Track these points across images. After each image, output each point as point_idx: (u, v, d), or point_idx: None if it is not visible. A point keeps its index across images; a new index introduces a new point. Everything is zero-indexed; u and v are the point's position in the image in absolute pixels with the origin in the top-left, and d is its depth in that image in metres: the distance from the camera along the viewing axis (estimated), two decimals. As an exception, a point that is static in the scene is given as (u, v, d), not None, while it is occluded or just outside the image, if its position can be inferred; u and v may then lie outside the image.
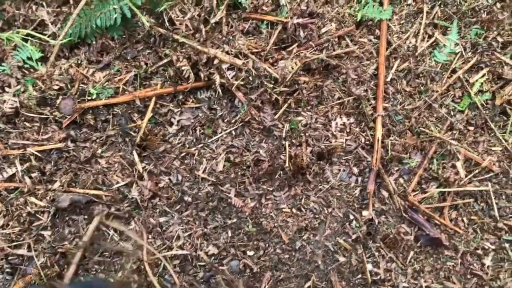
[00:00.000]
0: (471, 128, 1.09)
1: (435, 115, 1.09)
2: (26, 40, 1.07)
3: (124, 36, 1.10)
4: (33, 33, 1.07)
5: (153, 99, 1.08)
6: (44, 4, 1.10)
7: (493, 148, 1.07)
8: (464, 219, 1.04)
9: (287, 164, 1.05)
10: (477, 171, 1.05)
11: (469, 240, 1.03)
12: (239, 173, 1.06)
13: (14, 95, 1.05)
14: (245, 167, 1.06)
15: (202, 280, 0.98)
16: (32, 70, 1.07)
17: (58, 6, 1.11)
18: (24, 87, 1.06)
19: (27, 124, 1.05)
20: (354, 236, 1.01)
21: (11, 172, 1.02)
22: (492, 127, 1.08)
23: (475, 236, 1.03)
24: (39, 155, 1.02)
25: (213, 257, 1.00)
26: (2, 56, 1.07)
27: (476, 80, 1.10)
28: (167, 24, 1.06)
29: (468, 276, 1.01)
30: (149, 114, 1.07)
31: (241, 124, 1.08)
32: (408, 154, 1.07)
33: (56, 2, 1.11)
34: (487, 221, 1.04)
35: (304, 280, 0.99)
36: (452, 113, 1.09)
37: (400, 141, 1.07)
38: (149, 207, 1.02)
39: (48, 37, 1.07)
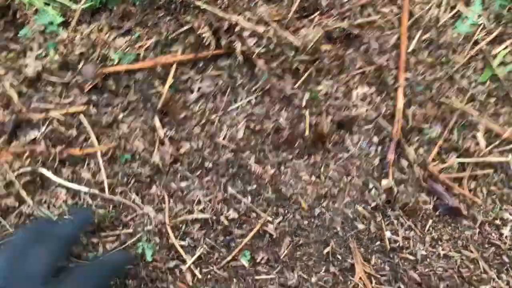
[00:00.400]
0: (492, 99, 1.08)
1: (456, 86, 1.08)
2: (47, 5, 1.07)
3: (145, 2, 1.09)
4: (54, -3, 1.07)
5: (174, 66, 1.08)
6: (66, -32, 1.10)
7: (514, 120, 1.07)
8: (483, 189, 1.04)
9: (307, 133, 1.05)
10: (497, 142, 1.05)
11: (487, 210, 1.04)
12: (259, 141, 1.06)
13: (36, 59, 1.06)
14: (265, 135, 1.07)
15: (222, 243, 0.99)
16: (54, 35, 1.07)
17: (79, -30, 1.10)
18: (46, 52, 1.06)
19: (49, 88, 1.06)
20: (373, 204, 1.02)
21: (33, 135, 1.03)
22: (513, 98, 1.07)
23: (494, 206, 1.04)
24: (61, 118, 1.03)
25: (233, 222, 1.00)
26: (24, 21, 1.07)
27: (499, 52, 1.09)
28: (188, -10, 1.06)
29: (486, 246, 1.01)
30: (170, 80, 1.07)
31: (261, 92, 1.08)
32: (428, 124, 1.07)
33: (77, -33, 1.11)
34: (506, 192, 1.04)
35: (323, 246, 1.00)
36: (473, 84, 1.09)
37: (421, 111, 1.07)
38: (170, 172, 1.03)
39: (70, 1, 1.07)
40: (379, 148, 1.07)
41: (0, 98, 1.04)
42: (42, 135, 1.03)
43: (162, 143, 1.05)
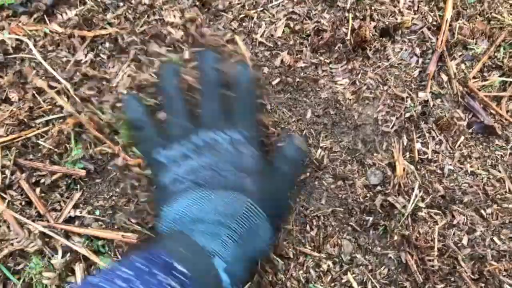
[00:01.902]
0: (546, 20, 1.03)
1: (510, 2, 1.03)
2: None
3: None
4: None
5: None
6: None
7: None
8: (522, 111, 1.02)
9: (348, 37, 1.02)
10: (544, 64, 1.01)
11: (522, 133, 1.02)
12: (298, 41, 1.03)
13: None
14: (304, 36, 1.04)
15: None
16: None
17: None
18: None
19: (87, -34, 1.03)
20: (407, 115, 1.01)
21: (70, 14, 1.01)
22: None
23: (529, 129, 1.02)
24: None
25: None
26: None
27: (562, -30, 1.02)
28: None
29: (515, 167, 1.01)
30: (212, -32, 1.03)
31: (304, -10, 1.04)
32: (474, 40, 1.03)
33: None
34: (544, 116, 1.02)
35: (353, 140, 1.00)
36: (529, 3, 1.03)
37: (469, 25, 1.02)
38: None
39: None
40: (420, 60, 1.03)
41: (36, -30, 1.01)
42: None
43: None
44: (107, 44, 1.01)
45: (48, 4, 1.01)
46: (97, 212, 0.92)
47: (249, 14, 1.04)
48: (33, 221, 0.90)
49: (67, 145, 0.94)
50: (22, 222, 0.89)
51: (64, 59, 0.99)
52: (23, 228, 0.89)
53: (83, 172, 0.92)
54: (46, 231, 0.88)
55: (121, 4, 1.04)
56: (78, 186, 0.94)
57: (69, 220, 0.92)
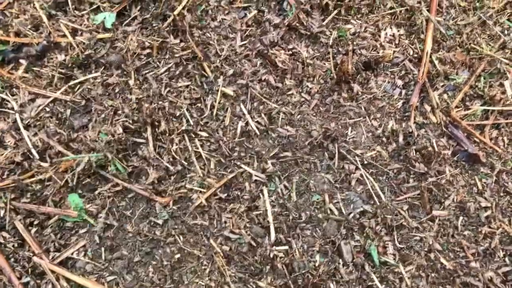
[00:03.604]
0: (525, 46, 1.06)
1: (488, 33, 1.06)
2: None
3: None
4: None
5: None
6: None
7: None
8: (505, 138, 1.04)
9: (332, 71, 1.05)
10: (524, 92, 1.04)
11: (507, 160, 1.03)
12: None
13: (65, -19, 1.06)
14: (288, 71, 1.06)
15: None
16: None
17: None
18: (75, -26, 1.06)
19: (77, 12, 1.07)
20: (393, 146, 1.02)
21: (61, 59, 1.05)
22: (546, 49, 1.05)
23: (513, 156, 1.04)
24: (86, 42, 1.04)
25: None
26: None
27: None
28: None
29: (502, 194, 1.02)
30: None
31: (287, 28, 1.07)
32: (455, 70, 1.05)
33: None
34: (527, 142, 1.04)
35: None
36: (506, 31, 1.06)
37: (449, 56, 1.05)
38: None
39: None
40: (403, 91, 1.06)
41: (30, 20, 1.05)
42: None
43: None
44: None
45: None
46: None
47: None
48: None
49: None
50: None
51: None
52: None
53: (74, 213, 0.94)
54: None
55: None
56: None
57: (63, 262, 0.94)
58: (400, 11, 1.06)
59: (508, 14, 1.06)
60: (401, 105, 1.05)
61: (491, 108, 1.04)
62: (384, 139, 1.03)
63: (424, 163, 1.01)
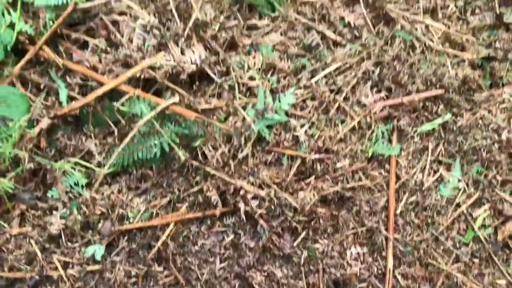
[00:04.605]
0: (476, 260, 1.17)
1: (442, 247, 1.18)
2: (74, 168, 1.21)
3: (161, 166, 1.24)
4: (81, 161, 1.22)
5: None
6: (92, 135, 1.26)
7: (497, 281, 1.15)
8: None
9: (304, 292, 1.13)
10: (483, 303, 1.12)
11: None
12: (260, 298, 1.14)
13: (60, 218, 1.17)
14: (265, 292, 1.15)
15: None
16: (77, 195, 1.20)
17: (104, 137, 1.26)
18: (70, 211, 1.19)
19: (70, 245, 1.17)
20: None
21: (51, 290, 1.12)
22: (496, 260, 1.16)
23: None
24: (77, 275, 1.13)
25: None
26: (52, 182, 1.21)
27: (479, 215, 1.20)
28: (200, 157, 1.20)
29: None
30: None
31: (262, 250, 1.18)
32: (417, 284, 1.15)
33: (102, 133, 1.27)
34: None
35: None
36: (458, 245, 1.18)
37: (410, 271, 1.16)
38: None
39: (95, 166, 1.21)
40: (371, 307, 1.14)
41: (25, 255, 1.15)
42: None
43: None
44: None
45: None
46: None
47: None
48: None
49: None
50: None
51: None
52: None
53: None
54: None
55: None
56: None
57: None
58: (362, 231, 1.19)
59: (457, 229, 1.19)
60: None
61: (455, 322, 1.11)
62: None
63: None
